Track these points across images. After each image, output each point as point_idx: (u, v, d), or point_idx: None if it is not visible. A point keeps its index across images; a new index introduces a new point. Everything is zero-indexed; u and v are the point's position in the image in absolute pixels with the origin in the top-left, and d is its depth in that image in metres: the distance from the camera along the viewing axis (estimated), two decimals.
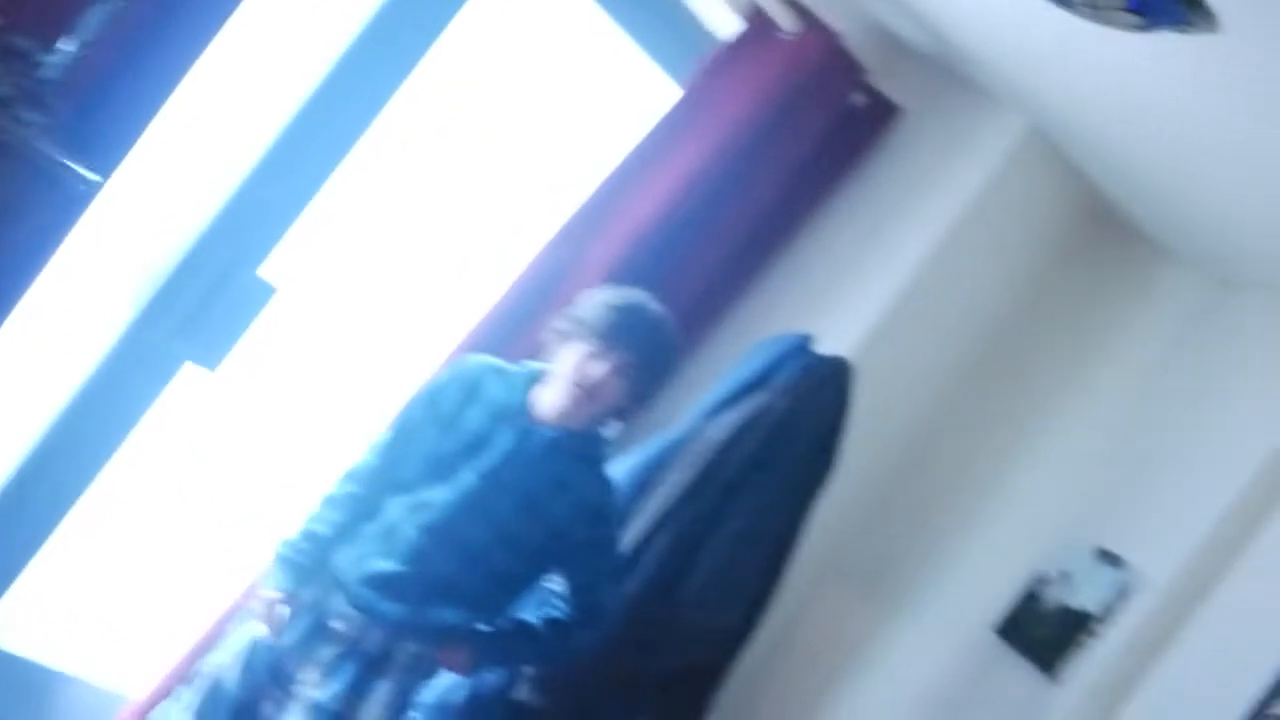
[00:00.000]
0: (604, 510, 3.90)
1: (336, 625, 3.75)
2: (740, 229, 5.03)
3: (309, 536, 3.84)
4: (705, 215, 4.91)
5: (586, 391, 3.76)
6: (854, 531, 5.16)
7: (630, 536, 4.43)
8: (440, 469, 3.78)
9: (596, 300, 3.84)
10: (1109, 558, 4.65)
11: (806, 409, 4.58)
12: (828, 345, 4.75)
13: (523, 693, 4.38)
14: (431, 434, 3.82)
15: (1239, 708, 4.19)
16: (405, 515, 3.76)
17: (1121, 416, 4.98)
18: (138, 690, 4.57)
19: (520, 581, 3.88)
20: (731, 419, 4.55)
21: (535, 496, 3.78)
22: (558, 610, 3.94)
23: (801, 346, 4.68)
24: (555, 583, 3.95)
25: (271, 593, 3.82)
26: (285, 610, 3.79)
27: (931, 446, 5.22)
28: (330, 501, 3.86)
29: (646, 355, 3.77)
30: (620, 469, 4.53)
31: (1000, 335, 5.22)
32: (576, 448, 3.84)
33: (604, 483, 3.93)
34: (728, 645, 4.50)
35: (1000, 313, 5.22)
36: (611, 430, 4.78)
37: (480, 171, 4.89)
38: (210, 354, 4.44)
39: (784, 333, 4.74)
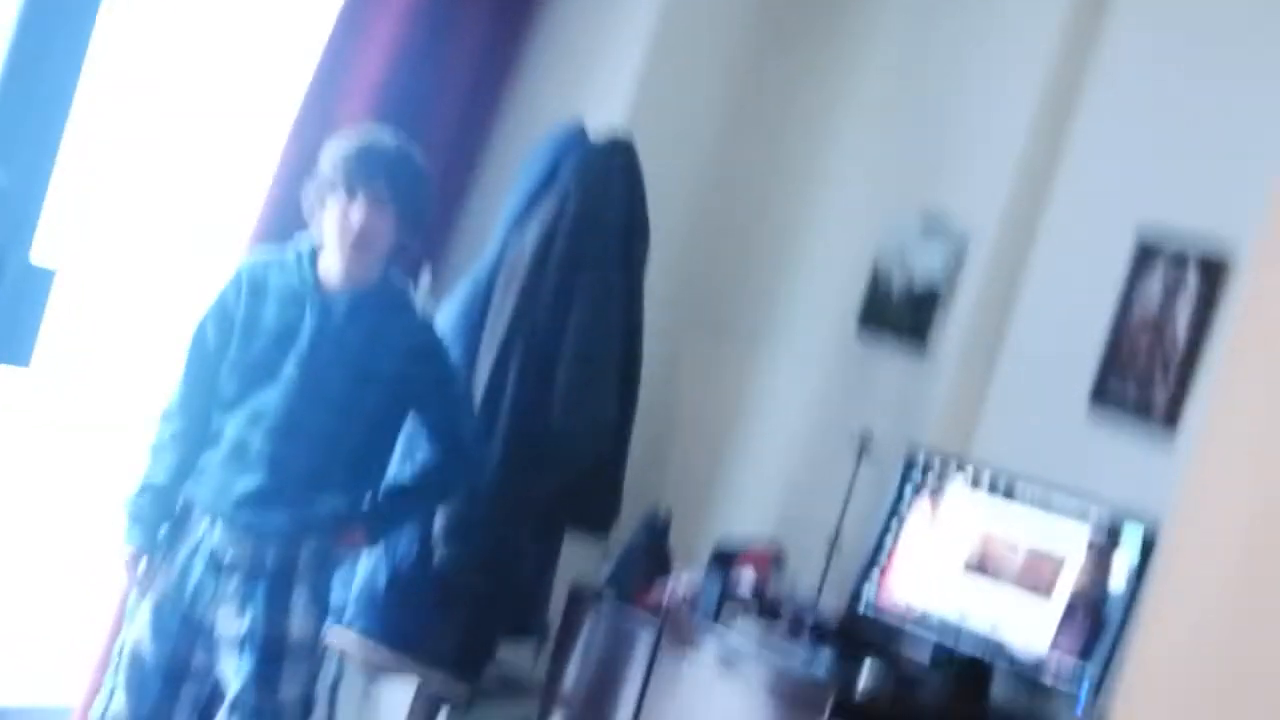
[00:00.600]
0: (429, 348, 4.01)
1: (231, 556, 3.85)
2: (479, 36, 5.08)
3: (146, 488, 3.89)
4: (438, 37, 4.95)
5: (357, 241, 3.84)
6: (696, 285, 5.28)
7: (483, 370, 4.53)
8: (260, 373, 3.84)
9: (330, 153, 3.89)
10: (938, 221, 4.80)
11: (602, 194, 4.65)
12: (602, 119, 4.83)
13: (441, 554, 4.51)
14: (234, 345, 3.88)
15: (1103, 316, 4.39)
16: (247, 429, 3.83)
17: (902, 84, 5.10)
18: (76, 698, 4.65)
19: (382, 446, 3.98)
20: (535, 229, 4.62)
21: (359, 362, 3.86)
22: (424, 459, 4.08)
23: (577, 136, 4.75)
24: (416, 432, 4.09)
25: (127, 551, 3.90)
26: (143, 565, 3.89)
27: (737, 178, 5.31)
28: (156, 448, 3.91)
29: (395, 180, 3.83)
30: (449, 311, 4.62)
31: (763, 48, 5.31)
32: (377, 300, 3.91)
33: (419, 322, 4.03)
34: (613, 436, 4.64)
35: (755, 28, 5.31)
36: (424, 278, 4.87)
37: (205, 76, 4.87)
38: (16, 353, 4.44)
39: (558, 125, 4.83)
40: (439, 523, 4.46)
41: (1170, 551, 1.24)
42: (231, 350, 3.88)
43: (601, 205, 4.63)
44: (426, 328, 4.08)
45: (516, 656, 4.73)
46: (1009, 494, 4.25)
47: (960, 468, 4.38)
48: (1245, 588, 1.23)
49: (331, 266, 3.88)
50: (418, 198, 3.89)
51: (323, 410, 3.85)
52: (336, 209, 3.84)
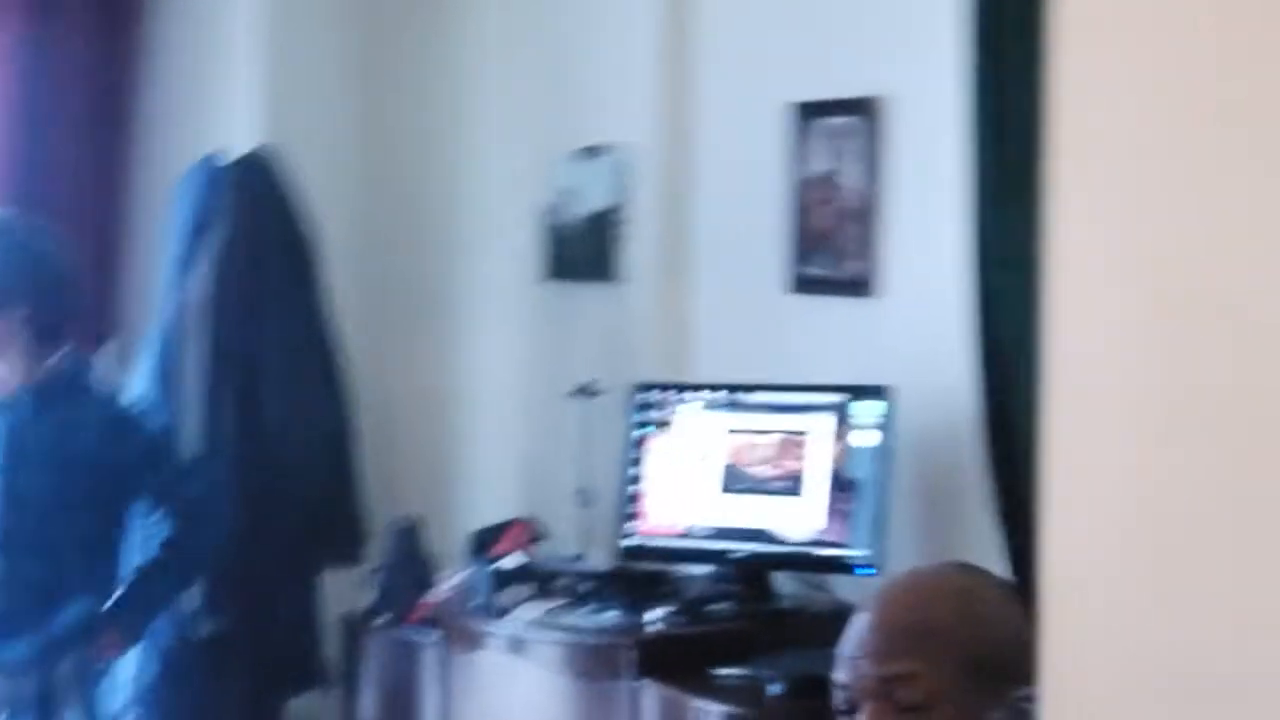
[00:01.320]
0: (123, 423, 3.99)
1: None
2: (85, 92, 5.09)
3: None
4: (42, 104, 4.96)
5: None
6: (379, 283, 5.28)
7: (192, 425, 4.50)
8: None
9: None
10: (592, 152, 4.87)
11: (260, 216, 4.66)
12: (238, 144, 4.83)
13: (203, 629, 4.47)
14: None
15: (779, 197, 4.48)
16: None
17: (525, 31, 5.13)
18: None
19: (111, 538, 3.95)
20: (204, 268, 4.60)
21: (56, 457, 3.83)
22: (161, 534, 4.03)
23: (215, 165, 4.73)
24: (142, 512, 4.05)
25: None
26: None
27: (390, 166, 5.32)
28: None
29: None
30: (141, 376, 4.58)
31: (380, 33, 5.31)
32: (56, 390, 3.88)
33: (105, 399, 4.01)
34: (339, 454, 4.66)
35: (367, 13, 5.30)
36: (107, 352, 4.81)
37: None
38: None
39: (193, 163, 4.79)
40: (194, 597, 4.42)
41: (1057, 421, 1.19)
42: None
43: (264, 223, 4.63)
44: (114, 403, 4.06)
45: (309, 710, 4.72)
46: (740, 403, 4.34)
47: (685, 390, 4.45)
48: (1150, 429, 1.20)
49: None
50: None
51: (36, 518, 3.80)
52: None
